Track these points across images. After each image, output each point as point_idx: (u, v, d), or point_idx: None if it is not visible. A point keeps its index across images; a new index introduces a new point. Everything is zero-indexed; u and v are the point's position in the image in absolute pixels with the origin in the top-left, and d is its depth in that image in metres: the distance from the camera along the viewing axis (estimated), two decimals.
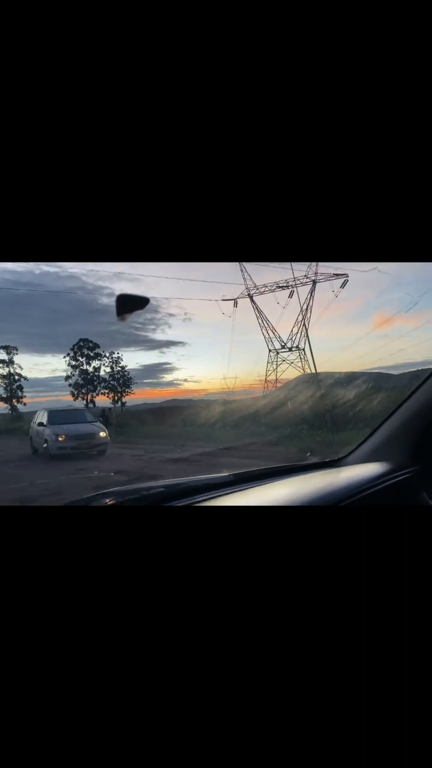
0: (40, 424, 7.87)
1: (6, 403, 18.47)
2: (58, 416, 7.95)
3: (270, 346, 18.89)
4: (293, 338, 18.56)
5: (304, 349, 18.11)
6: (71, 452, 7.07)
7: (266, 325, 18.75)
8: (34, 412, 9.28)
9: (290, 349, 18.68)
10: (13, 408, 18.52)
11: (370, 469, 1.13)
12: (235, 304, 17.74)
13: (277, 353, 18.92)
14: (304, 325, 17.97)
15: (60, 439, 7.18)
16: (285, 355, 18.75)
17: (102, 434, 7.61)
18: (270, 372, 18.52)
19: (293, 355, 18.65)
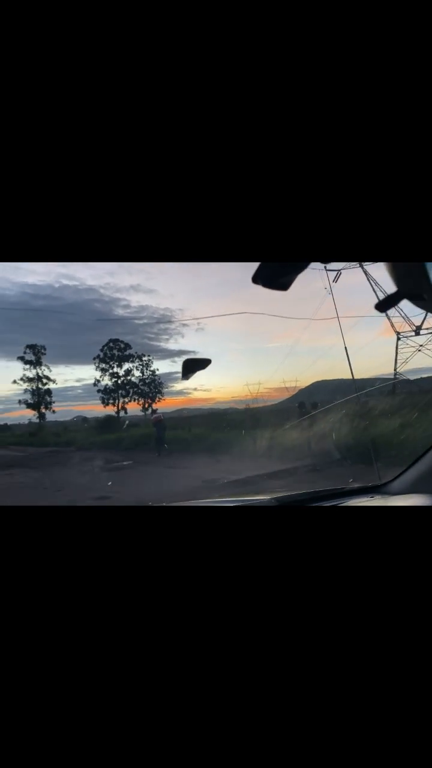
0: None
1: (34, 409, 16.70)
2: None
3: (396, 329, 15.54)
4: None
5: None
6: None
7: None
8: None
9: (419, 332, 15.23)
10: (41, 415, 16.73)
11: (419, 502, 1.06)
12: (336, 278, 14.71)
13: (399, 338, 15.41)
14: None
15: None
16: (416, 339, 15.33)
17: None
18: (399, 363, 15.51)
19: (426, 339, 15.15)
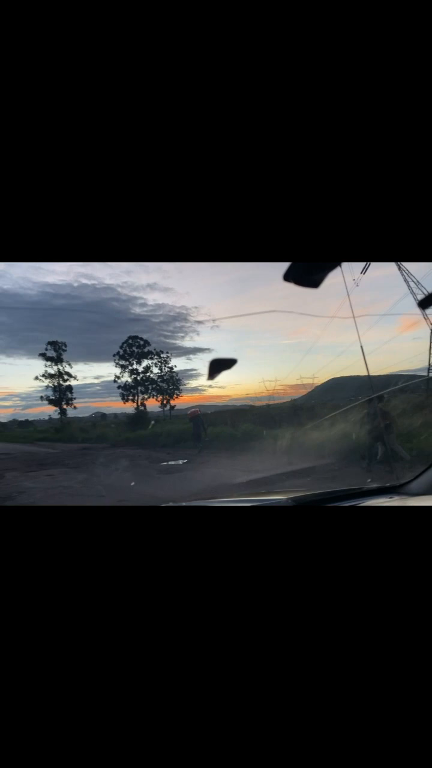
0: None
1: (56, 406, 16.64)
2: None
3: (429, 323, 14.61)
4: None
5: None
6: None
7: (420, 291, 14.07)
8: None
9: None
10: (63, 411, 16.63)
11: None
12: (364, 270, 14.29)
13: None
14: None
15: None
16: None
17: None
18: None
19: None
